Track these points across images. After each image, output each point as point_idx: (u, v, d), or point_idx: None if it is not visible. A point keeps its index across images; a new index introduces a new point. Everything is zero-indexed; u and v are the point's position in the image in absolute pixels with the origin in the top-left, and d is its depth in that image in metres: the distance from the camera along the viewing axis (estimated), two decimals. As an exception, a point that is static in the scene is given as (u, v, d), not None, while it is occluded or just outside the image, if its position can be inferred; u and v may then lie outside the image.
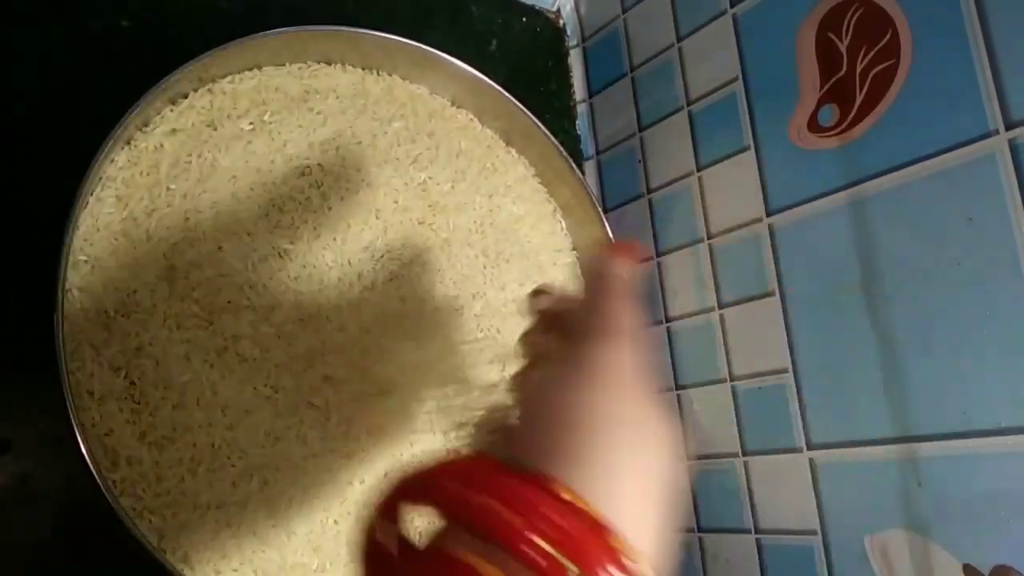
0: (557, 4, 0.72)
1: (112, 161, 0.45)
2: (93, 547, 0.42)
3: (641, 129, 0.66)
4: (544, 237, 0.62)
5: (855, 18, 0.50)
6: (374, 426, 0.50)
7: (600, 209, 0.61)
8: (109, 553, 0.42)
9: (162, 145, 0.47)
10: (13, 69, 0.46)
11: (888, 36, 0.48)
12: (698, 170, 0.60)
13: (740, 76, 0.57)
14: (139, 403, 0.42)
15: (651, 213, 0.64)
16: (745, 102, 0.56)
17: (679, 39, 0.62)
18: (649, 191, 0.65)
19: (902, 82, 0.47)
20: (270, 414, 0.46)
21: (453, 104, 0.60)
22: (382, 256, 0.53)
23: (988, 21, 0.43)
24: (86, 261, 0.43)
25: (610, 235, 0.61)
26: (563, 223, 0.64)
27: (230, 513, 0.43)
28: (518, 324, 0.57)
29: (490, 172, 0.60)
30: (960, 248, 0.43)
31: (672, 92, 0.62)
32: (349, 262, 0.51)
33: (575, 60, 0.73)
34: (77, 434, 0.38)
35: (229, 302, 0.46)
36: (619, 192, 0.68)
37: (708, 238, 0.59)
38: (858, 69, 0.49)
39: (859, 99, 0.49)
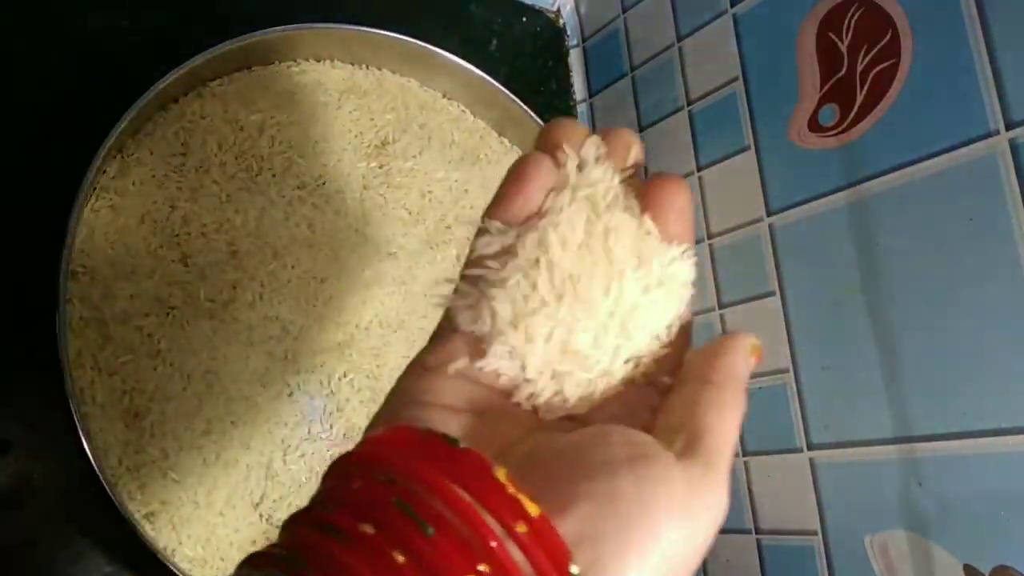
0: (557, 4, 0.72)
1: (104, 172, 0.45)
2: (94, 547, 0.42)
3: (641, 129, 0.66)
4: None
5: (855, 18, 0.50)
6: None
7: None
8: (111, 554, 0.42)
9: (152, 152, 0.47)
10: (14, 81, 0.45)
11: (888, 36, 0.48)
12: (698, 170, 0.60)
13: (740, 76, 0.57)
14: (139, 412, 0.42)
15: (651, 213, 0.64)
16: (745, 102, 0.56)
17: (679, 39, 0.62)
18: (649, 191, 0.64)
19: (902, 82, 0.47)
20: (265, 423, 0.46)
21: (444, 96, 0.60)
22: (380, 249, 0.53)
23: (988, 21, 0.43)
24: (84, 272, 0.43)
25: None
26: None
27: (238, 515, 0.43)
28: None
29: (484, 163, 0.60)
30: (960, 248, 0.43)
31: (672, 92, 0.62)
32: (348, 258, 0.51)
33: (575, 60, 0.73)
34: (84, 443, 0.38)
35: (222, 304, 0.46)
36: (619, 192, 0.67)
37: (708, 238, 0.59)
38: (858, 69, 0.49)
39: (859, 99, 0.49)
